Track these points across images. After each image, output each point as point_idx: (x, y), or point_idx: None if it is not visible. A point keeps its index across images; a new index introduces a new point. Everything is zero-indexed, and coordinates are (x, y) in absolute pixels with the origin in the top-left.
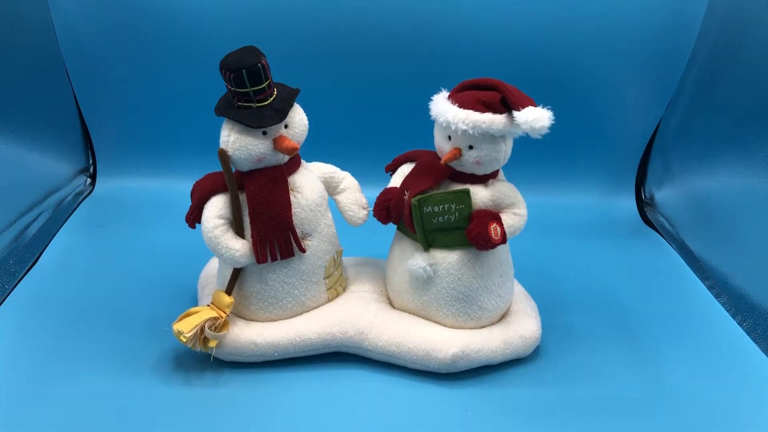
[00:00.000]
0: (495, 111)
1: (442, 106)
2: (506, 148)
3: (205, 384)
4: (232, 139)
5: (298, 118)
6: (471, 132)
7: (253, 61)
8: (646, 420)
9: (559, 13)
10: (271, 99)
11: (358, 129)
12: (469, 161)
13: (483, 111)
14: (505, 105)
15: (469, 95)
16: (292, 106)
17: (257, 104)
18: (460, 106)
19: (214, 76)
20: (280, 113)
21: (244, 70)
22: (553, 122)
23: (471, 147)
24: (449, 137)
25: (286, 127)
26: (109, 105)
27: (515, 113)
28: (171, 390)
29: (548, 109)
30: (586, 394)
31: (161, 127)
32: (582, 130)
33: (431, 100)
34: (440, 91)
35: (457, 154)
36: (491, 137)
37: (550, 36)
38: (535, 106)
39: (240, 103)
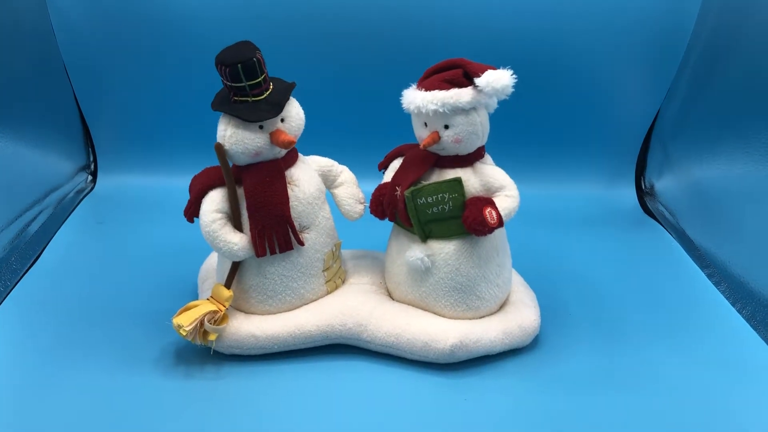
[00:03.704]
0: (460, 85)
1: (411, 96)
2: (481, 120)
3: (206, 377)
4: (228, 134)
5: (294, 112)
6: (441, 110)
7: (248, 56)
8: (646, 409)
9: (557, 3)
10: (267, 93)
11: (354, 123)
12: (449, 141)
13: (448, 88)
14: (468, 78)
15: (433, 79)
16: (288, 99)
17: (253, 98)
18: (427, 90)
19: (213, 72)
20: (276, 107)
21: (239, 65)
22: (516, 80)
23: (447, 126)
24: (425, 124)
25: (282, 120)
26: (108, 102)
27: (476, 80)
28: (173, 383)
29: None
30: (585, 383)
31: (161, 124)
32: (581, 121)
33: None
34: (410, 86)
35: (436, 137)
36: (462, 111)
37: (547, 27)
38: (495, 69)
39: (236, 98)
